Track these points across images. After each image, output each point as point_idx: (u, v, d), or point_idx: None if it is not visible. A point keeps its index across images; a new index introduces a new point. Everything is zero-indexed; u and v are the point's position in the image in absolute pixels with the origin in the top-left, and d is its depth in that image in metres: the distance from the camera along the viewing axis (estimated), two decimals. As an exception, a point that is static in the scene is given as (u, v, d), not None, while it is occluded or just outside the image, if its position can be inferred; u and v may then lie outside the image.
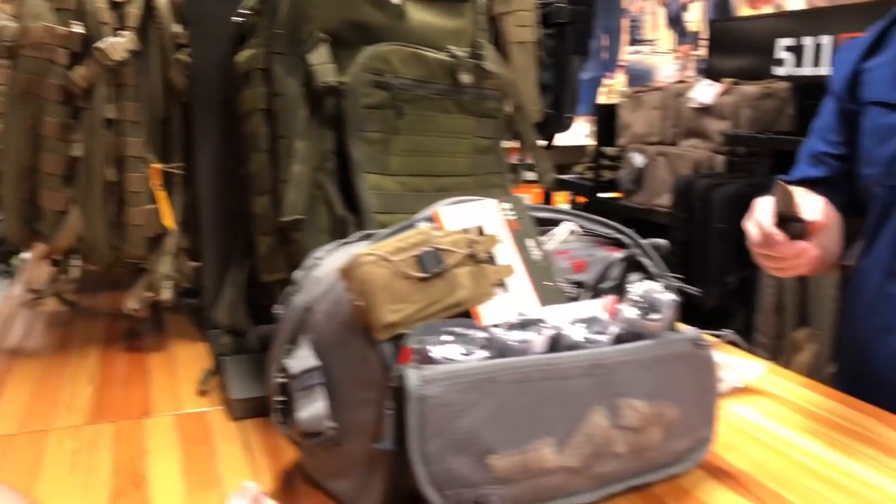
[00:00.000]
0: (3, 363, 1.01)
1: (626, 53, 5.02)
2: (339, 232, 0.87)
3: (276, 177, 0.87)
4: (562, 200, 4.38)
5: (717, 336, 0.77)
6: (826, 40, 2.50)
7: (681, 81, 3.00)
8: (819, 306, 1.95)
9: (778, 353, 2.05)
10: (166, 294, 1.05)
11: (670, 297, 0.75)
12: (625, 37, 5.00)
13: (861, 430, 0.84)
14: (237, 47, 0.91)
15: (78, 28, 0.99)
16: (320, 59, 0.86)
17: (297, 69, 0.86)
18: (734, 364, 0.95)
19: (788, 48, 2.63)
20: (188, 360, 1.03)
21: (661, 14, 5.07)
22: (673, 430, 0.71)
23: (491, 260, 0.73)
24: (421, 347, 0.65)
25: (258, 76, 0.88)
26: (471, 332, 0.67)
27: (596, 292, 0.81)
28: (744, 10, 5.21)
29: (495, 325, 0.68)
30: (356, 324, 0.65)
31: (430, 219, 0.73)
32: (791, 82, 2.54)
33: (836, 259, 1.07)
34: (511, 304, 0.72)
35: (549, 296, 0.75)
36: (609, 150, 3.20)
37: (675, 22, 5.11)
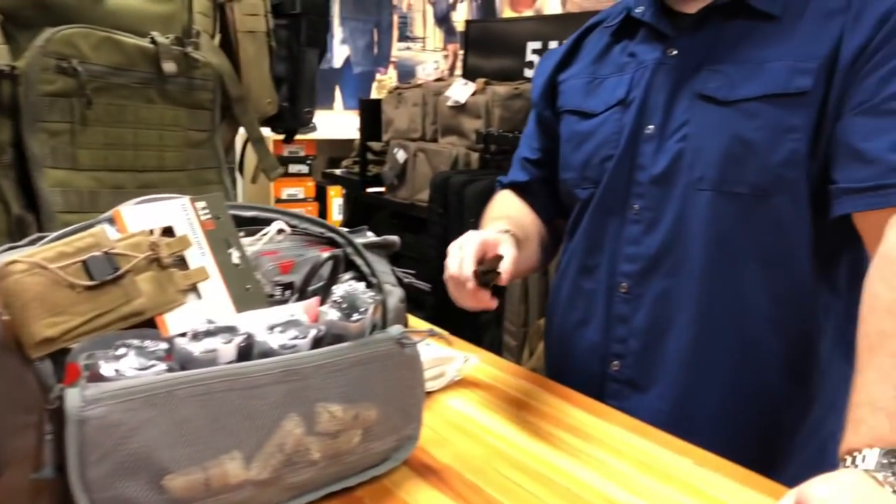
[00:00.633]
0: None
1: (397, 49, 5.08)
2: (18, 234, 0.78)
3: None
4: (336, 194, 4.36)
5: (421, 332, 0.77)
6: (568, 45, 2.67)
7: (440, 79, 3.08)
8: (561, 295, 2.07)
9: (524, 340, 2.16)
10: None
11: (372, 296, 0.74)
12: (395, 33, 5.05)
13: (557, 413, 0.88)
14: None
15: None
16: (-12, 39, 0.76)
17: (-40, 49, 0.76)
18: (451, 357, 0.97)
19: (535, 51, 2.77)
20: None
21: (430, 12, 5.18)
22: (373, 432, 0.71)
23: (180, 264, 0.68)
24: (91, 363, 0.59)
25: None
26: (151, 343, 0.62)
27: (304, 294, 0.78)
28: (507, 12, 5.46)
29: (180, 335, 0.64)
30: (6, 341, 0.57)
31: (111, 220, 0.67)
32: (539, 83, 2.69)
33: (534, 268, 1.13)
34: (203, 311, 0.68)
35: (248, 300, 0.72)
36: (375, 145, 3.22)
37: (443, 20, 5.25)
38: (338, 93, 4.80)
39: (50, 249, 0.59)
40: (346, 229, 1.23)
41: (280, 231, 0.81)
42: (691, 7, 0.96)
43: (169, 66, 0.88)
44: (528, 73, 2.82)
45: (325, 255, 0.79)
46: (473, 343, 1.13)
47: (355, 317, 0.71)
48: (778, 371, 0.91)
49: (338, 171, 3.75)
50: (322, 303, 0.74)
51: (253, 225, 0.80)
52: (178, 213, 0.70)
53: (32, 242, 0.66)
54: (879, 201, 0.80)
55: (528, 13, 5.56)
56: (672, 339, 0.94)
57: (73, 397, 0.55)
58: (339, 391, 0.68)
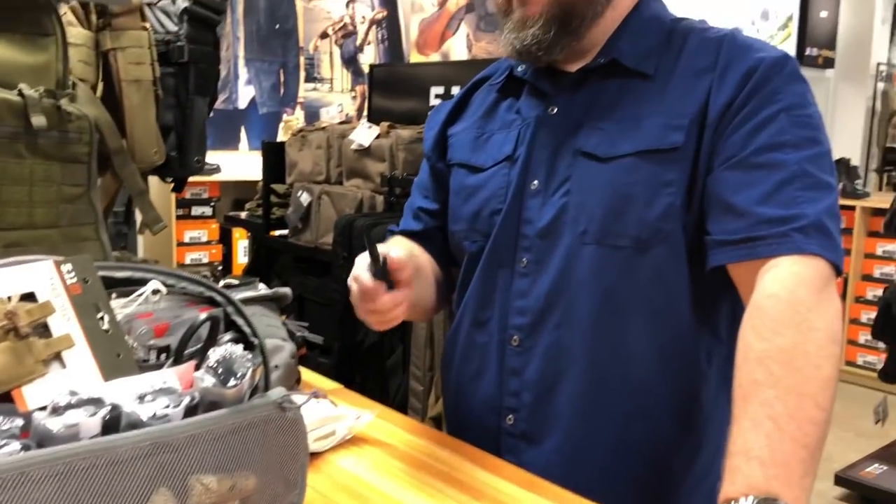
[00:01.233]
0: None
1: (304, 90, 5.07)
2: None
3: None
4: (241, 237, 4.27)
5: (308, 395, 0.75)
6: (470, 90, 2.71)
7: (344, 122, 3.07)
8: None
9: (430, 385, 2.14)
10: None
11: (251, 359, 0.71)
12: (302, 74, 5.04)
13: (450, 469, 0.87)
14: None
15: None
16: None
17: None
18: (342, 415, 0.95)
19: (438, 96, 2.81)
20: None
21: (337, 53, 5.20)
22: (252, 502, 0.68)
23: (42, 332, 0.64)
24: (-66, 445, 0.54)
25: None
26: (4, 420, 0.58)
27: (181, 358, 0.75)
28: (414, 55, 5.54)
29: (39, 409, 0.60)
30: None
31: (-36, 287, 0.63)
32: (442, 127, 2.72)
33: (433, 307, 1.13)
34: (67, 381, 0.64)
35: (117, 368, 0.68)
36: (279, 188, 3.17)
37: (351, 62, 5.28)
38: (243, 134, 4.74)
39: None
40: (236, 279, 1.20)
41: (156, 291, 0.78)
42: (571, 66, 0.99)
43: (38, 120, 0.84)
44: (432, 116, 2.85)
45: (203, 315, 0.77)
46: (379, 389, 1.12)
47: (232, 382, 0.69)
48: (666, 418, 0.93)
49: (242, 215, 3.68)
50: (198, 367, 0.71)
51: (127, 285, 0.76)
52: (40, 277, 0.67)
53: None
54: (749, 253, 0.83)
55: (435, 56, 5.65)
56: (563, 392, 0.94)
57: (-90, 486, 0.51)
58: (214, 461, 0.65)
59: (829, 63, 8.19)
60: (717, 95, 0.87)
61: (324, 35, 5.16)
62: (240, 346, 0.74)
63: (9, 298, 0.63)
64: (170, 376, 0.68)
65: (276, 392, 0.73)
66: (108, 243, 0.94)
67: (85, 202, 0.93)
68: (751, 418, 0.72)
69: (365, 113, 5.36)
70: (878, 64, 8.25)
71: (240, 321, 0.79)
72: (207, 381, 0.68)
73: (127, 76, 1.16)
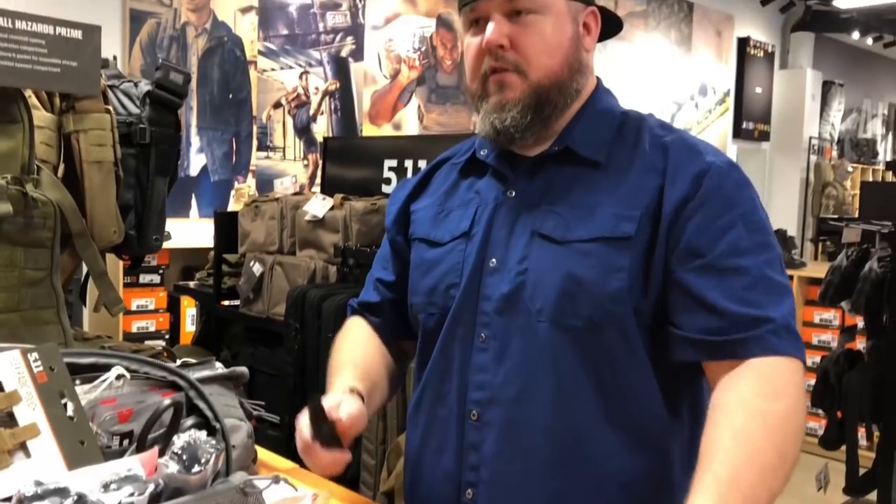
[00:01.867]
0: None
1: (256, 158, 5.10)
2: None
3: None
4: (189, 305, 4.22)
5: (268, 479, 0.76)
6: (423, 164, 2.78)
7: (297, 193, 3.11)
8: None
9: (383, 459, 2.14)
10: None
11: (215, 445, 0.73)
12: (254, 142, 5.08)
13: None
14: None
15: None
16: None
17: None
18: (299, 496, 0.96)
19: (392, 168, 2.87)
20: None
21: (290, 123, 5.26)
22: (214, 590, 0.69)
23: (7, 421, 0.65)
24: None
25: None
26: (-31, 512, 0.58)
27: (144, 444, 0.76)
28: (366, 126, 5.63)
29: (4, 501, 0.60)
30: None
31: (-70, 377, 0.64)
32: (396, 199, 2.77)
33: (386, 400, 1.16)
34: (32, 471, 0.65)
35: (82, 456, 0.69)
36: (231, 258, 3.17)
37: (304, 131, 5.34)
38: (194, 201, 4.73)
39: None
40: (193, 360, 1.21)
41: (119, 377, 0.79)
42: (529, 151, 1.04)
43: (4, 207, 0.86)
44: (386, 188, 2.91)
45: (167, 401, 0.78)
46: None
47: (196, 468, 0.70)
48: (626, 494, 0.96)
49: (191, 284, 3.65)
50: (162, 453, 0.72)
51: (92, 371, 0.78)
52: (7, 367, 0.68)
53: None
54: (730, 354, 0.89)
55: (387, 126, 5.76)
56: (521, 467, 0.97)
57: None
58: (177, 550, 0.66)
59: (764, 136, 8.57)
60: (672, 192, 0.94)
61: (277, 105, 5.23)
62: (203, 432, 0.75)
63: (-24, 389, 0.64)
64: (134, 463, 0.69)
65: (238, 477, 0.75)
66: (69, 327, 0.95)
67: (46, 286, 0.94)
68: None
69: (317, 182, 5.43)
70: (811, 138, 8.66)
71: (202, 405, 0.81)
72: (172, 467, 0.69)
73: (89, 157, 1.18)
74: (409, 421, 1.12)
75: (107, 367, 0.79)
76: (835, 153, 9.27)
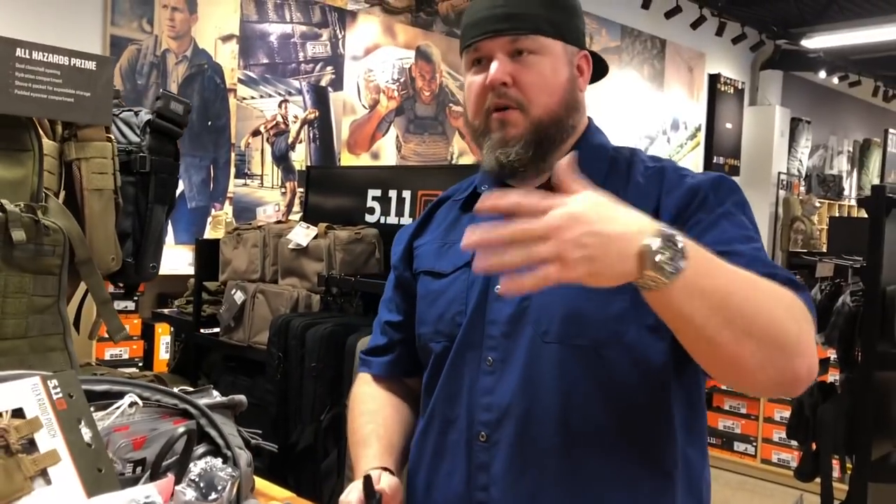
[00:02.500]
0: None
1: (234, 185, 5.10)
2: None
3: None
4: (164, 332, 4.18)
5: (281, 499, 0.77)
6: (407, 194, 2.81)
7: (280, 222, 3.11)
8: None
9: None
10: None
11: (230, 473, 0.74)
12: (232, 169, 5.08)
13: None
14: None
15: None
16: None
17: None
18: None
19: (375, 198, 2.89)
20: None
21: (268, 151, 5.27)
22: None
23: (29, 448, 0.66)
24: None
25: None
26: (-6, 539, 0.59)
27: (158, 471, 0.77)
28: (345, 155, 5.66)
29: (27, 527, 0.61)
30: None
31: (-47, 404, 0.64)
32: (378, 229, 2.79)
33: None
34: (52, 498, 0.65)
35: (100, 483, 0.70)
36: (211, 285, 3.16)
37: (282, 159, 5.35)
38: (170, 227, 4.70)
39: None
40: (190, 388, 1.21)
41: (132, 404, 0.80)
42: (528, 184, 1.08)
43: (18, 235, 0.86)
44: (369, 217, 2.93)
45: (180, 429, 0.79)
46: (313, 492, 1.13)
47: (213, 496, 0.71)
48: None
49: (166, 311, 3.63)
50: (178, 480, 0.73)
51: (105, 398, 0.78)
52: (28, 393, 0.68)
53: None
54: None
55: (365, 156, 5.80)
56: (531, 484, 0.99)
57: None
58: (196, 577, 0.66)
59: (734, 171, 8.74)
60: (667, 205, 0.98)
61: (256, 133, 5.24)
62: (219, 460, 0.76)
63: (0, 415, 0.64)
64: (151, 491, 0.70)
65: (253, 502, 0.75)
66: (75, 353, 0.95)
67: (53, 312, 0.94)
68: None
69: (294, 210, 5.43)
70: (779, 173, 8.85)
71: (213, 433, 0.82)
72: (189, 494, 0.70)
73: (90, 185, 1.18)
74: (414, 446, 1.13)
75: (120, 395, 0.79)
76: (802, 188, 9.48)
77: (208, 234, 4.76)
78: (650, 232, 0.76)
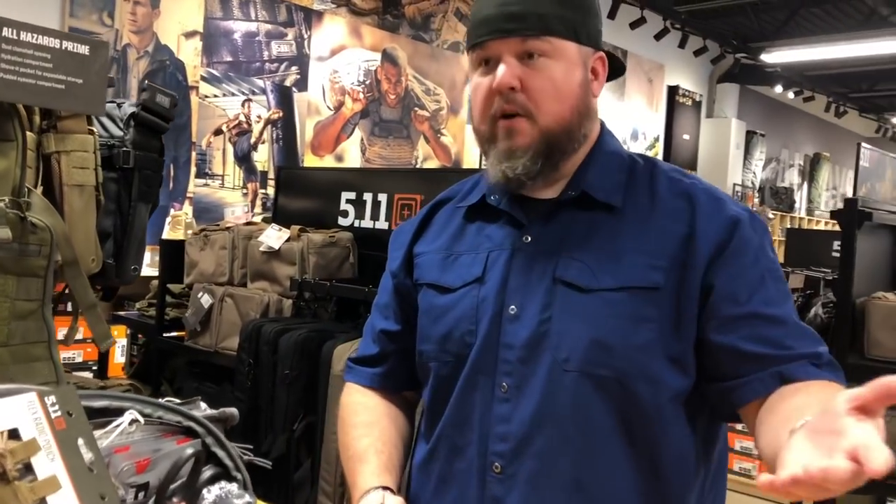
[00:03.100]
0: None
1: (194, 185, 4.96)
2: None
3: None
4: (119, 335, 4.04)
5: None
6: (383, 198, 2.74)
7: (250, 223, 3.02)
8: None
9: (342, 501, 2.06)
10: None
11: (247, 501, 0.67)
12: (192, 169, 4.95)
13: None
14: None
15: None
16: None
17: None
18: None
19: (349, 201, 2.82)
20: None
21: (230, 150, 5.15)
22: None
23: (26, 473, 0.58)
24: None
25: None
26: (-9, 580, 0.51)
27: (164, 496, 0.69)
28: (308, 156, 5.56)
29: (28, 565, 0.53)
30: None
31: (-60, 423, 0.56)
32: (353, 232, 2.71)
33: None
34: (52, 529, 0.58)
35: (102, 511, 0.62)
36: (175, 288, 3.05)
37: (244, 159, 5.24)
38: (128, 227, 4.55)
39: None
40: (176, 400, 1.13)
41: (133, 422, 0.72)
42: (540, 194, 1.01)
43: (3, 233, 0.78)
44: (342, 220, 2.85)
45: (188, 450, 0.72)
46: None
47: (231, 525, 0.64)
48: None
49: (122, 313, 3.49)
50: (188, 508, 0.66)
51: (104, 415, 0.71)
52: (23, 411, 0.61)
53: None
54: (783, 380, 0.88)
55: (329, 157, 5.71)
56: None
57: None
58: None
59: (692, 182, 8.84)
60: (705, 240, 0.93)
61: (218, 132, 5.12)
62: (234, 486, 0.69)
63: (-7, 437, 0.57)
64: (162, 521, 0.63)
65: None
66: (60, 363, 0.87)
67: (38, 318, 0.86)
68: None
69: (256, 211, 5.31)
70: (735, 185, 8.99)
71: (220, 453, 0.75)
72: (204, 524, 0.63)
73: (70, 180, 1.10)
74: (417, 470, 1.06)
75: (119, 411, 0.72)
76: (756, 200, 9.65)
77: (167, 234, 4.62)
78: None
